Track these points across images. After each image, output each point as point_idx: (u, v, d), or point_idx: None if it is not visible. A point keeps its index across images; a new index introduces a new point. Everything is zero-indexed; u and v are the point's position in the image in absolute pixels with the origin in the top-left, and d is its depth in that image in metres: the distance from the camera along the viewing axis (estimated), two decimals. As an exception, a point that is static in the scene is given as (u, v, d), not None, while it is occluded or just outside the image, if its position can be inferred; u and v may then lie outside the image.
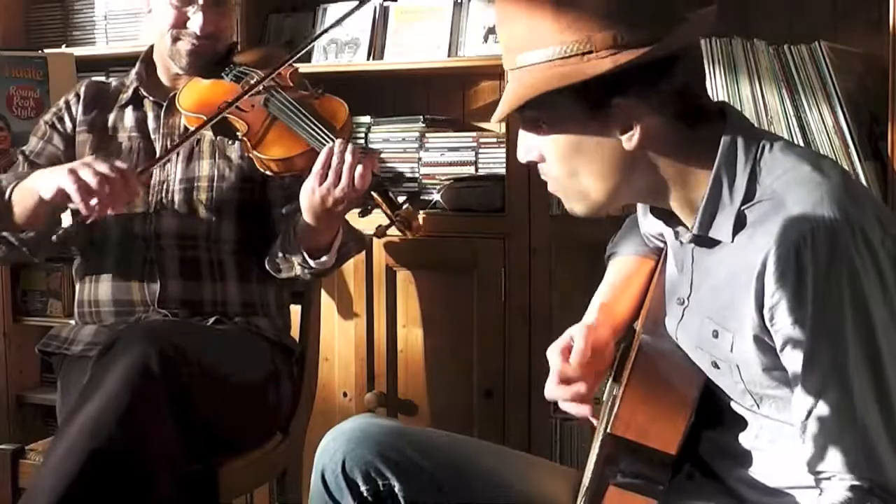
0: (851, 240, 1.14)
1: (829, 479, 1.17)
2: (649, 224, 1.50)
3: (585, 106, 1.23)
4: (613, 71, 1.19)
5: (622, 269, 1.57)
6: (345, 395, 2.55)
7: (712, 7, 1.32)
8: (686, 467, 1.38)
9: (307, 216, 1.81)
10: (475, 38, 2.51)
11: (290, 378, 2.08)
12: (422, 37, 2.55)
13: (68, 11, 2.99)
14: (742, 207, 1.23)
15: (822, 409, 1.16)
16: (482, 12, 2.51)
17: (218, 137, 2.03)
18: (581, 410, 1.42)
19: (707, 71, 2.07)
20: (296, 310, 2.23)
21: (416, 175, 2.60)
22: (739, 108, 2.02)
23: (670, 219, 1.35)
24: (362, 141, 2.65)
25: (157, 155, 2.04)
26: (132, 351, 1.70)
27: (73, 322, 2.14)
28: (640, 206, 1.51)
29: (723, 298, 1.26)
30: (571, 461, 2.27)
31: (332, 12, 2.67)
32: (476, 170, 2.53)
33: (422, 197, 2.54)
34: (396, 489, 1.46)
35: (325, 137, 1.82)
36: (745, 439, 1.32)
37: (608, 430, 1.28)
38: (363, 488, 1.47)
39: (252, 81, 1.95)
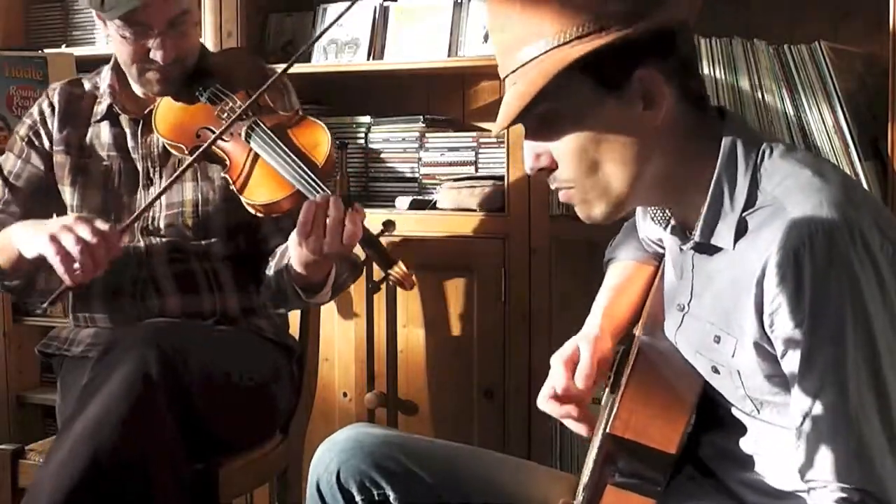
0: (850, 244, 1.14)
1: (820, 487, 1.16)
2: (648, 229, 1.50)
3: (603, 84, 1.21)
4: (630, 37, 1.18)
5: (621, 274, 1.57)
6: (345, 395, 2.55)
7: None
8: (687, 469, 1.38)
9: (296, 265, 1.76)
10: (475, 38, 2.51)
11: (290, 378, 2.08)
12: (422, 37, 2.55)
13: (68, 11, 2.99)
14: (743, 214, 1.23)
15: (818, 411, 1.15)
16: (482, 12, 2.50)
17: (200, 163, 1.95)
18: (578, 428, 1.42)
19: (707, 71, 2.07)
20: (296, 310, 2.23)
21: (416, 175, 2.60)
22: (739, 108, 2.03)
23: (669, 225, 1.35)
24: (362, 141, 2.65)
25: (140, 175, 1.99)
26: (132, 353, 1.70)
27: (72, 323, 2.13)
28: (639, 210, 1.51)
29: (724, 304, 1.26)
30: (571, 461, 2.27)
31: (332, 12, 2.67)
32: (476, 170, 2.54)
33: (422, 197, 2.55)
34: (391, 498, 1.46)
35: (310, 182, 1.72)
36: (745, 444, 1.32)
37: (607, 430, 1.28)
38: (358, 498, 1.47)
39: (227, 108, 1.88)
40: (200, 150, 1.81)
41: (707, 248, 1.28)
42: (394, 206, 2.53)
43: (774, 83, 2.03)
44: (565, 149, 1.24)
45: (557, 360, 1.45)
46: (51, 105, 2.06)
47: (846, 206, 1.16)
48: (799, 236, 1.15)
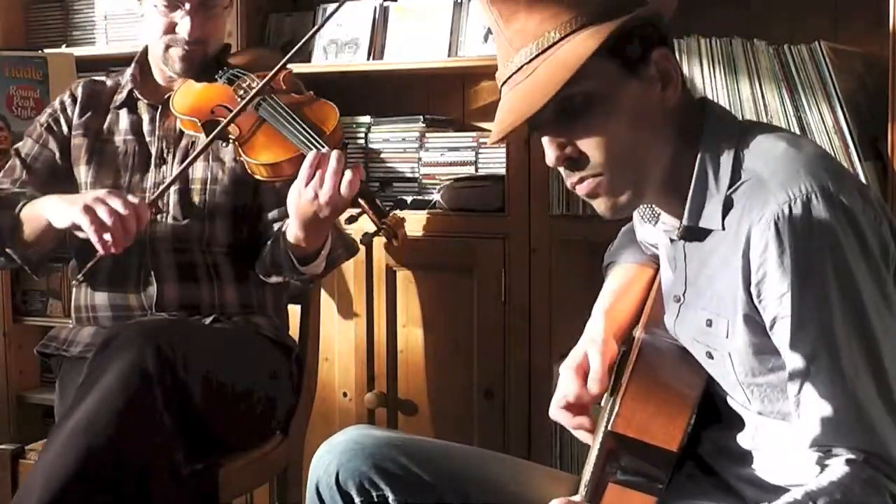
0: (829, 208, 1.16)
1: (828, 454, 1.17)
2: (645, 231, 1.51)
3: (626, 66, 1.23)
4: (647, 17, 1.21)
5: (621, 277, 1.58)
6: (345, 395, 2.55)
7: None
8: (687, 467, 1.39)
9: (294, 220, 1.80)
10: (475, 38, 2.51)
11: (290, 377, 2.08)
12: (422, 37, 2.55)
13: (68, 11, 2.99)
14: (728, 192, 1.24)
15: (813, 378, 1.17)
16: (482, 12, 2.50)
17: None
18: (586, 438, 1.43)
19: (707, 71, 2.07)
20: (296, 310, 2.23)
21: (416, 175, 2.60)
22: (739, 108, 2.03)
23: (658, 221, 1.37)
24: (362, 141, 2.65)
25: (153, 156, 2.05)
26: (128, 349, 1.70)
27: (71, 323, 2.14)
28: (635, 215, 1.52)
29: (716, 285, 1.27)
30: (571, 461, 2.27)
31: (332, 11, 2.67)
32: (476, 170, 2.53)
33: (422, 197, 2.55)
34: (391, 499, 1.46)
35: (314, 142, 1.81)
36: (743, 439, 1.33)
37: (608, 428, 1.28)
38: (357, 500, 1.47)
39: (245, 85, 1.96)
40: (220, 126, 1.88)
41: (697, 233, 1.29)
42: (394, 206, 2.53)
43: (774, 83, 2.03)
44: (596, 135, 1.24)
45: (567, 368, 1.45)
46: (72, 96, 2.14)
47: (823, 174, 1.18)
48: (778, 204, 1.17)
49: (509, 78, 1.25)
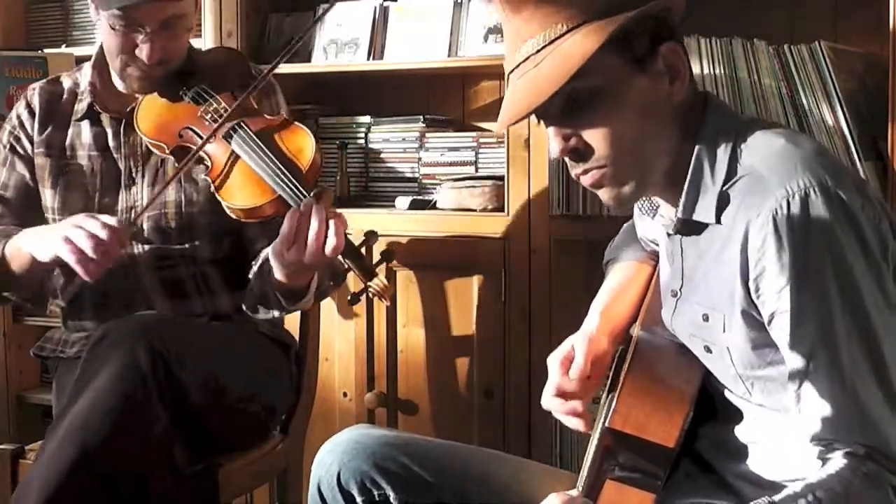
0: (827, 204, 1.16)
1: (828, 448, 1.17)
2: (645, 225, 1.51)
3: (633, 60, 1.23)
4: (655, 11, 1.21)
5: (621, 274, 1.58)
6: (345, 395, 2.55)
7: None
8: (684, 465, 1.39)
9: (277, 274, 1.74)
10: (475, 38, 2.51)
11: (290, 377, 2.07)
12: (422, 37, 2.55)
13: (68, 11, 2.99)
14: (724, 188, 1.25)
15: (813, 374, 1.17)
16: (482, 12, 2.51)
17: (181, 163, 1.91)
18: (574, 424, 1.43)
19: (707, 71, 2.07)
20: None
21: (416, 175, 2.60)
22: (739, 108, 2.03)
23: (657, 214, 1.37)
24: (362, 141, 2.65)
25: (122, 175, 1.96)
26: (121, 346, 1.69)
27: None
28: (636, 209, 1.52)
29: (712, 280, 1.27)
30: (571, 460, 2.27)
31: (332, 12, 2.67)
32: (476, 170, 2.54)
33: (422, 197, 2.55)
34: (392, 498, 1.46)
35: (293, 189, 1.70)
36: (741, 433, 1.33)
37: (606, 424, 1.28)
38: (359, 499, 1.48)
39: (212, 109, 1.86)
40: (190, 155, 1.79)
41: (693, 227, 1.29)
42: (394, 206, 2.53)
43: (774, 83, 2.03)
44: (601, 128, 1.24)
45: (553, 360, 1.46)
46: (29, 107, 2.03)
47: (820, 169, 1.19)
48: (776, 199, 1.17)
49: (516, 67, 1.25)
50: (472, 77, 2.68)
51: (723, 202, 1.25)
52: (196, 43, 2.09)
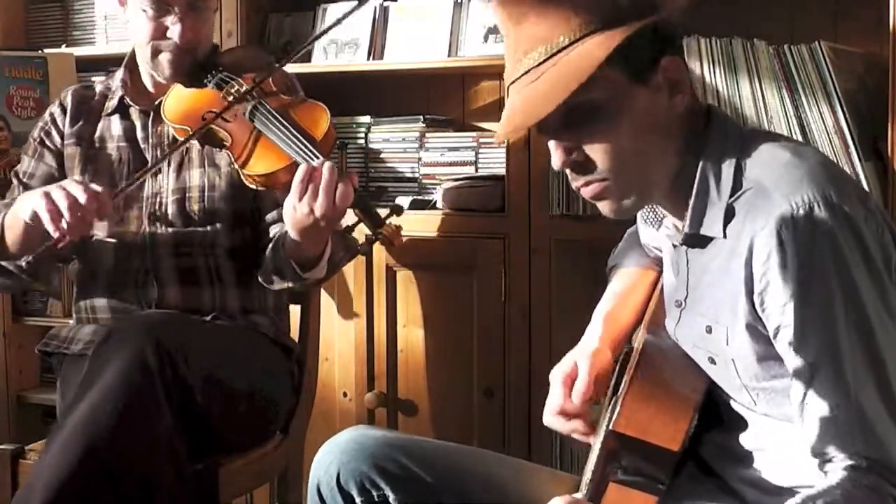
0: (832, 218, 1.16)
1: (830, 460, 1.17)
2: (649, 235, 1.51)
3: (633, 74, 1.23)
4: (656, 25, 1.21)
5: (625, 281, 1.58)
6: (345, 395, 2.55)
7: None
8: (688, 468, 1.39)
9: (291, 231, 1.79)
10: (475, 38, 2.51)
11: (290, 377, 2.08)
12: (422, 37, 2.55)
13: (68, 11, 2.99)
14: (730, 201, 1.24)
15: (817, 387, 1.17)
16: (482, 12, 2.51)
17: (206, 147, 2.01)
18: (578, 438, 1.43)
19: (707, 71, 2.07)
20: (296, 310, 2.23)
21: (416, 175, 2.60)
22: (739, 108, 2.03)
23: (662, 225, 1.37)
24: (362, 141, 2.65)
25: (149, 165, 2.02)
26: (128, 345, 1.70)
27: (72, 322, 2.14)
28: (639, 217, 1.52)
29: (716, 293, 1.27)
30: (572, 461, 2.27)
31: (332, 12, 2.67)
32: (476, 170, 2.54)
33: (422, 197, 2.55)
34: (391, 499, 1.46)
35: (307, 151, 1.78)
36: (746, 440, 1.33)
37: (610, 427, 1.28)
38: (358, 500, 1.47)
39: (233, 90, 1.93)
40: (203, 124, 1.85)
41: (699, 240, 1.29)
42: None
43: (774, 83, 2.03)
44: (602, 142, 1.24)
45: (556, 377, 1.46)
46: (62, 106, 2.11)
47: (825, 183, 1.18)
48: (781, 214, 1.17)
49: (517, 79, 1.25)
50: (472, 77, 2.68)
51: (728, 215, 1.24)
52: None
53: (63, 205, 1.71)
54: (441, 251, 2.42)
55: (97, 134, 2.08)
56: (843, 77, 2.00)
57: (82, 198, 1.71)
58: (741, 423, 1.33)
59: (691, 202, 1.27)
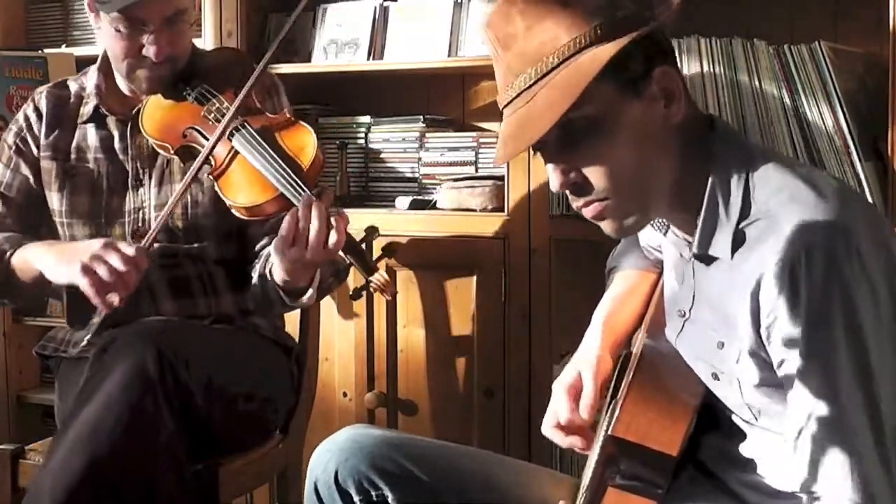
0: (846, 260, 1.14)
1: (817, 500, 1.17)
2: (649, 236, 1.50)
3: (626, 87, 1.21)
4: (647, 36, 1.19)
5: (624, 283, 1.57)
6: (345, 395, 2.55)
7: None
8: (687, 471, 1.38)
9: (279, 271, 1.75)
10: (475, 38, 2.51)
11: (290, 377, 2.08)
12: (422, 37, 2.55)
13: (68, 11, 2.99)
14: (740, 226, 1.23)
15: (812, 427, 1.16)
16: (482, 12, 2.50)
17: (186, 164, 1.92)
18: (582, 452, 1.42)
19: (707, 71, 2.07)
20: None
21: (416, 175, 2.60)
22: (739, 109, 2.03)
23: (669, 231, 1.35)
24: (362, 141, 2.65)
25: (129, 177, 1.97)
26: (129, 352, 1.70)
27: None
28: None
29: (723, 312, 1.26)
30: (571, 462, 2.27)
31: (332, 12, 2.67)
32: (476, 170, 2.54)
33: (422, 197, 2.55)
34: (390, 499, 1.46)
35: (294, 186, 1.71)
36: (745, 448, 1.32)
37: (608, 432, 1.28)
38: (356, 499, 1.47)
39: (214, 108, 1.86)
40: (198, 162, 1.77)
41: (705, 257, 1.28)
42: (394, 206, 2.53)
43: (774, 83, 2.03)
44: (600, 160, 1.22)
45: (559, 388, 1.44)
46: (37, 110, 2.04)
47: (842, 221, 1.16)
48: (795, 251, 1.15)
49: (510, 103, 1.23)
50: (472, 77, 2.68)
51: (738, 240, 1.22)
52: (196, 43, 2.09)
53: (108, 279, 1.67)
54: (441, 251, 2.42)
55: (73, 144, 2.01)
56: (843, 77, 2.00)
57: (123, 268, 1.68)
58: (741, 433, 1.32)
59: (699, 222, 1.25)
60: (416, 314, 2.47)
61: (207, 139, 1.82)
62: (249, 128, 1.80)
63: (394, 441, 1.52)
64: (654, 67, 1.22)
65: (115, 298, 1.68)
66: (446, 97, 2.72)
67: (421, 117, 2.60)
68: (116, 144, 2.00)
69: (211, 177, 1.82)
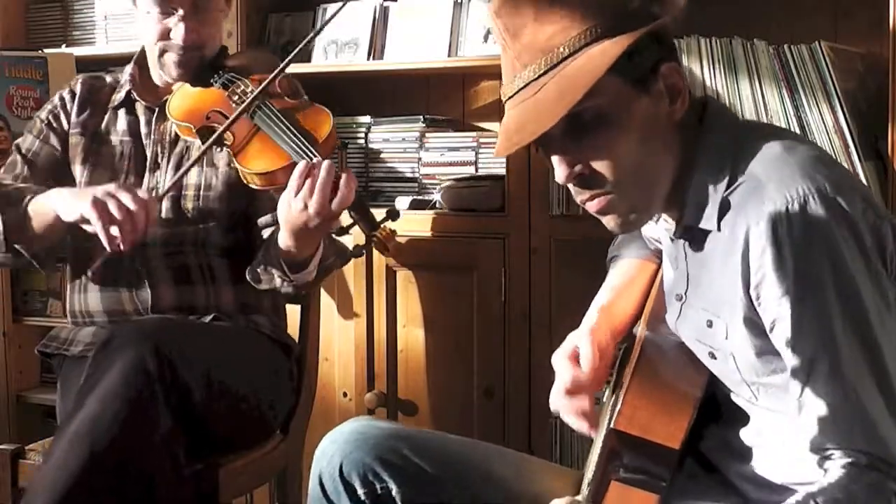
0: (826, 211, 1.15)
1: (829, 456, 1.17)
2: (649, 227, 1.51)
3: (634, 82, 1.22)
4: (655, 32, 1.20)
5: (623, 272, 1.57)
6: (345, 395, 2.55)
7: None
8: (688, 465, 1.39)
9: (284, 229, 1.78)
10: (475, 38, 2.51)
11: (290, 376, 2.08)
12: (422, 37, 2.55)
13: (68, 11, 2.99)
14: (725, 194, 1.24)
15: (814, 382, 1.17)
16: (482, 12, 2.51)
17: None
18: (581, 426, 1.42)
19: (707, 71, 2.07)
20: (295, 310, 2.23)
21: (416, 175, 2.60)
22: (739, 109, 2.03)
23: (660, 218, 1.37)
24: (362, 141, 2.65)
25: (147, 160, 2.04)
26: (128, 349, 1.70)
27: (71, 323, 2.13)
28: None
29: (715, 287, 1.27)
30: (572, 461, 2.27)
31: (332, 12, 2.67)
32: (476, 170, 2.54)
33: (422, 197, 2.55)
34: (394, 492, 1.46)
35: (306, 151, 1.78)
36: (747, 435, 1.33)
37: (611, 425, 1.28)
38: (361, 492, 1.47)
39: (239, 90, 1.93)
40: (215, 135, 1.85)
41: (695, 233, 1.29)
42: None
43: (774, 83, 2.03)
44: (606, 153, 1.23)
45: (560, 357, 1.45)
46: (71, 92, 2.13)
47: (820, 176, 1.18)
48: (775, 207, 1.16)
49: (515, 94, 1.24)
50: (472, 77, 2.68)
51: (723, 209, 1.24)
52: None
53: (117, 215, 1.72)
54: (441, 251, 2.43)
55: (102, 126, 2.09)
56: (843, 77, 2.00)
57: (133, 206, 1.73)
58: (742, 418, 1.33)
59: (688, 196, 1.27)
60: (416, 314, 2.47)
61: (227, 118, 1.88)
62: (271, 105, 1.88)
63: (398, 434, 1.52)
64: (661, 63, 1.23)
65: (121, 237, 1.72)
66: (446, 97, 2.72)
67: (421, 117, 2.60)
68: (142, 129, 2.07)
69: (230, 154, 1.87)
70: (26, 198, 1.93)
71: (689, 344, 1.36)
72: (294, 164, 1.77)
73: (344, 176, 1.71)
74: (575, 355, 1.43)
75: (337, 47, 2.65)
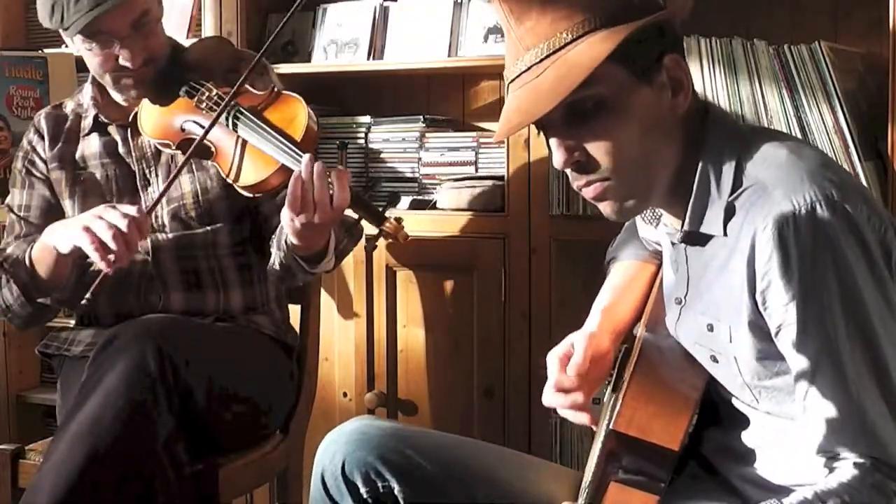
0: (833, 217, 1.16)
1: (833, 458, 1.18)
2: (647, 232, 1.51)
3: (637, 72, 1.22)
4: (660, 23, 1.20)
5: (623, 274, 1.57)
6: (345, 395, 2.55)
7: None
8: (689, 467, 1.39)
9: (292, 239, 1.77)
10: (475, 38, 2.51)
11: (290, 376, 2.08)
12: (422, 37, 2.55)
13: (68, 11, 2.99)
14: (730, 199, 1.24)
15: (819, 387, 1.17)
16: (482, 12, 2.50)
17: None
18: (579, 418, 1.42)
19: (707, 71, 2.07)
20: (296, 309, 2.23)
21: (416, 175, 2.60)
22: (739, 109, 2.03)
23: (660, 223, 1.37)
24: (362, 141, 2.65)
25: (136, 178, 2.00)
26: (129, 349, 1.70)
27: (72, 323, 2.14)
28: (638, 216, 1.52)
29: (717, 291, 1.27)
30: (572, 461, 2.27)
31: (332, 12, 2.67)
32: (476, 170, 2.53)
33: (422, 197, 2.55)
34: (396, 491, 1.46)
35: (292, 154, 1.74)
36: (748, 438, 1.33)
37: (610, 427, 1.28)
38: (363, 490, 1.47)
39: (205, 97, 1.88)
40: (193, 146, 1.82)
41: (699, 238, 1.29)
42: (394, 206, 2.52)
43: (774, 83, 2.03)
44: (605, 140, 1.23)
45: (552, 356, 1.45)
46: (38, 132, 2.07)
47: (826, 182, 1.18)
48: (782, 213, 1.17)
49: (517, 77, 1.24)
50: (472, 77, 2.68)
51: (728, 213, 1.24)
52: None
53: (107, 236, 1.70)
54: (441, 251, 2.43)
55: (78, 154, 2.04)
56: (843, 77, 2.00)
57: (123, 224, 1.71)
58: (743, 421, 1.33)
59: (691, 200, 1.27)
60: (416, 314, 2.47)
61: (204, 127, 1.84)
62: (240, 107, 1.83)
63: (401, 433, 1.52)
64: (664, 55, 1.24)
65: (115, 257, 1.70)
66: (446, 97, 2.72)
67: (421, 117, 2.60)
68: (120, 149, 2.02)
69: (219, 169, 1.85)
70: (27, 252, 1.92)
71: (689, 347, 1.36)
72: (283, 167, 1.75)
73: (334, 174, 1.68)
74: (567, 356, 1.43)
75: (337, 47, 2.65)
